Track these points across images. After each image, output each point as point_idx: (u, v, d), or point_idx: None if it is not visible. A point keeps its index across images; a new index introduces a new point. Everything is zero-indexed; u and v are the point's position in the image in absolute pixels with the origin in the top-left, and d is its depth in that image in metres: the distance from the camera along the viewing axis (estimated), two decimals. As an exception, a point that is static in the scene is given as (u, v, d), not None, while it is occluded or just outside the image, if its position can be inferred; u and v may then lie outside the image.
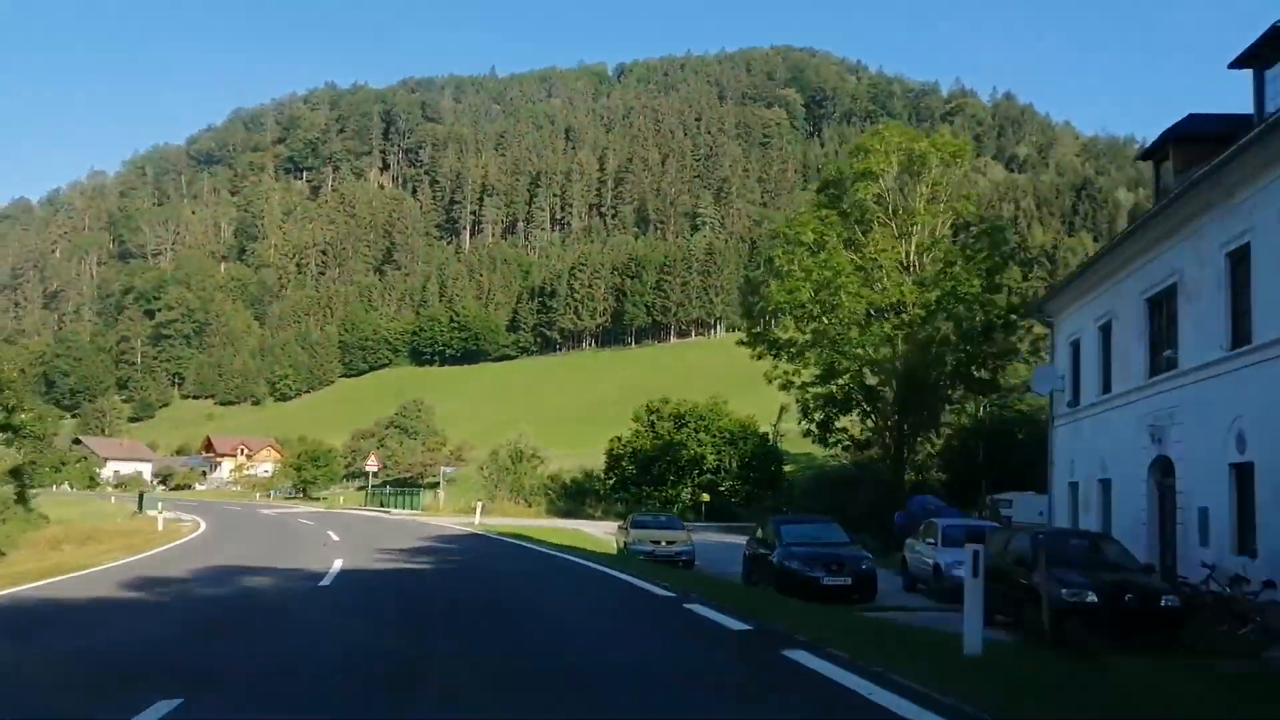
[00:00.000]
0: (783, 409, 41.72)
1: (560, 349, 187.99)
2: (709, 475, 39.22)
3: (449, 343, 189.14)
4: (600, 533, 29.04)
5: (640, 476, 39.66)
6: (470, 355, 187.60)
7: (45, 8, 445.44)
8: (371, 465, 47.13)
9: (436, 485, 59.25)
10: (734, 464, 39.12)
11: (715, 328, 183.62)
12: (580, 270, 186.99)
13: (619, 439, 43.84)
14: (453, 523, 30.93)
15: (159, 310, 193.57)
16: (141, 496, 40.11)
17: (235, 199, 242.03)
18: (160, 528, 29.44)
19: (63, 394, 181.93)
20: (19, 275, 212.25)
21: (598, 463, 46.50)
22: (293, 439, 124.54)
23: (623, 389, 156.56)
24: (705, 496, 37.71)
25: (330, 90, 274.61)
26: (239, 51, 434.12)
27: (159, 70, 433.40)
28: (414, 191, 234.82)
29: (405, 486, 69.63)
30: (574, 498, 40.90)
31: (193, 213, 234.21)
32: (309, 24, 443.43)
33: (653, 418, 42.96)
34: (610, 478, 42.76)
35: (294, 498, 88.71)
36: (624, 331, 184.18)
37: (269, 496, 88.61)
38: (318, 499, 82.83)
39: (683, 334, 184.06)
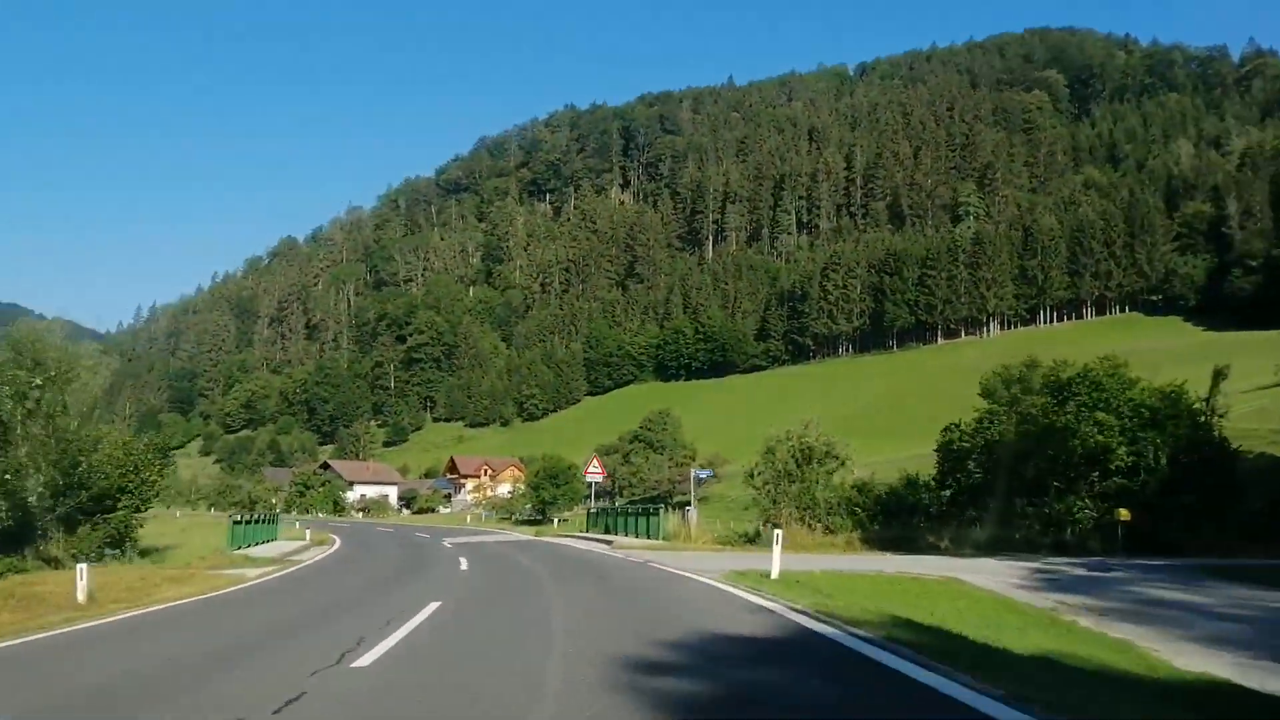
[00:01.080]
0: (1220, 373, 26.38)
1: (814, 356, 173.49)
2: (1120, 479, 24.28)
3: (695, 355, 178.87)
4: (996, 584, 15.84)
5: (1001, 482, 25.20)
6: (718, 367, 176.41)
7: (308, 64, 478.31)
8: (594, 474, 33.19)
9: (686, 505, 47.11)
10: (1160, 459, 23.83)
11: (988, 325, 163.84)
12: (833, 270, 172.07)
13: (956, 427, 29.45)
14: (716, 565, 18.83)
15: (410, 335, 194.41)
16: (242, 523, 26.34)
17: (481, 224, 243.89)
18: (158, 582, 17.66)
19: (323, 420, 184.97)
20: (284, 308, 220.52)
21: (887, 474, 33.12)
22: (536, 458, 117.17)
23: (888, 395, 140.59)
24: (1124, 514, 22.85)
25: (570, 111, 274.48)
26: (484, 83, 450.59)
27: (411, 108, 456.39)
28: (655, 204, 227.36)
29: (649, 503, 57.79)
30: (894, 517, 26.72)
31: (441, 239, 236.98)
32: (549, 51, 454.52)
33: (1015, 389, 28.89)
34: (947, 485, 28.67)
35: (534, 521, 79.52)
36: (884, 334, 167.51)
37: (481, 519, 79.56)
38: (555, 521, 72.87)
39: (951, 333, 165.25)
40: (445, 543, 30.87)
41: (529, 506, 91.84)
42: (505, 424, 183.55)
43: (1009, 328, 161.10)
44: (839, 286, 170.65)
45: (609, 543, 25.58)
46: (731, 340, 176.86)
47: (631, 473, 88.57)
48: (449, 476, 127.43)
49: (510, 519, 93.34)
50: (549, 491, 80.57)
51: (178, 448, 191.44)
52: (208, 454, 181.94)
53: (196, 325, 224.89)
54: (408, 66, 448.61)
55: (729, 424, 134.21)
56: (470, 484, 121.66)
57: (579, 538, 29.28)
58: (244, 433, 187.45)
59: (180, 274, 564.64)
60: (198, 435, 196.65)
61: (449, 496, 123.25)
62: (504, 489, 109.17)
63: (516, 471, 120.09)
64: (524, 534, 37.75)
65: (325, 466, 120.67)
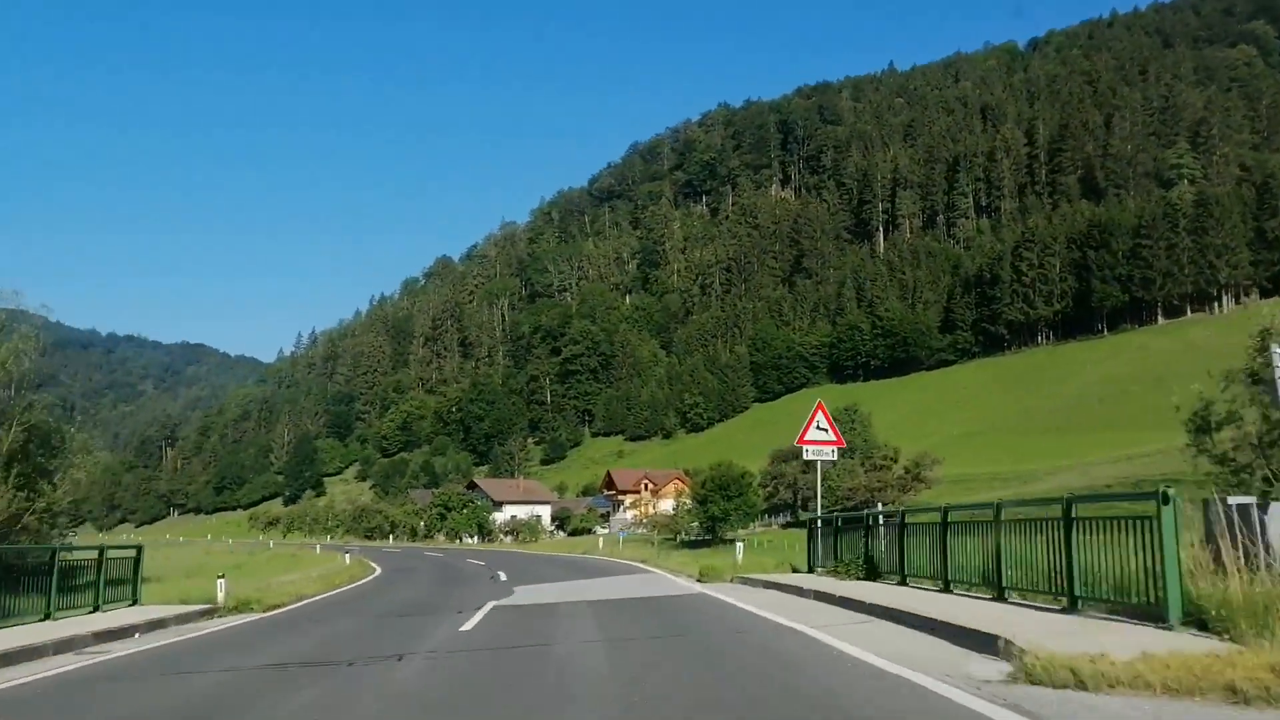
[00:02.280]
0: None
1: (1009, 347, 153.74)
2: None
3: (873, 352, 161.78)
4: None
5: None
6: (899, 365, 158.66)
7: (465, 86, 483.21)
8: (819, 440, 19.39)
9: (891, 515, 32.60)
10: None
11: (1220, 299, 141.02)
12: (1026, 249, 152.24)
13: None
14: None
15: (565, 346, 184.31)
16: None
17: (636, 231, 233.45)
18: None
19: (478, 439, 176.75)
20: (439, 326, 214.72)
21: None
22: (702, 469, 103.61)
23: (1103, 384, 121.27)
24: None
25: (724, 110, 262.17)
26: (635, 88, 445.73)
27: (564, 120, 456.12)
28: (820, 195, 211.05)
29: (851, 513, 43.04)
30: None
31: (595, 247, 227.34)
32: (700, 50, 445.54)
33: None
34: None
35: (702, 542, 65.80)
36: (1091, 317, 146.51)
37: (618, 543, 65.90)
38: (735, 545, 58.93)
39: (1173, 311, 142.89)
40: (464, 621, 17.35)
41: (695, 525, 78.51)
42: (668, 436, 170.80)
43: (1245, 298, 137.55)
44: (1034, 266, 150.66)
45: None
46: (913, 334, 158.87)
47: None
48: (606, 494, 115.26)
49: (674, 540, 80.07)
50: (719, 506, 66.69)
51: (334, 474, 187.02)
52: (364, 479, 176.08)
53: (353, 348, 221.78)
54: (562, 76, 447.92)
55: (923, 423, 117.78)
56: (629, 500, 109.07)
57: (818, 598, 13.54)
58: (401, 456, 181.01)
59: (342, 300, 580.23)
60: (355, 460, 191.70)
61: (606, 515, 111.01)
62: (667, 505, 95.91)
63: (680, 484, 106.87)
64: (682, 576, 22.75)
65: (472, 486, 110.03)
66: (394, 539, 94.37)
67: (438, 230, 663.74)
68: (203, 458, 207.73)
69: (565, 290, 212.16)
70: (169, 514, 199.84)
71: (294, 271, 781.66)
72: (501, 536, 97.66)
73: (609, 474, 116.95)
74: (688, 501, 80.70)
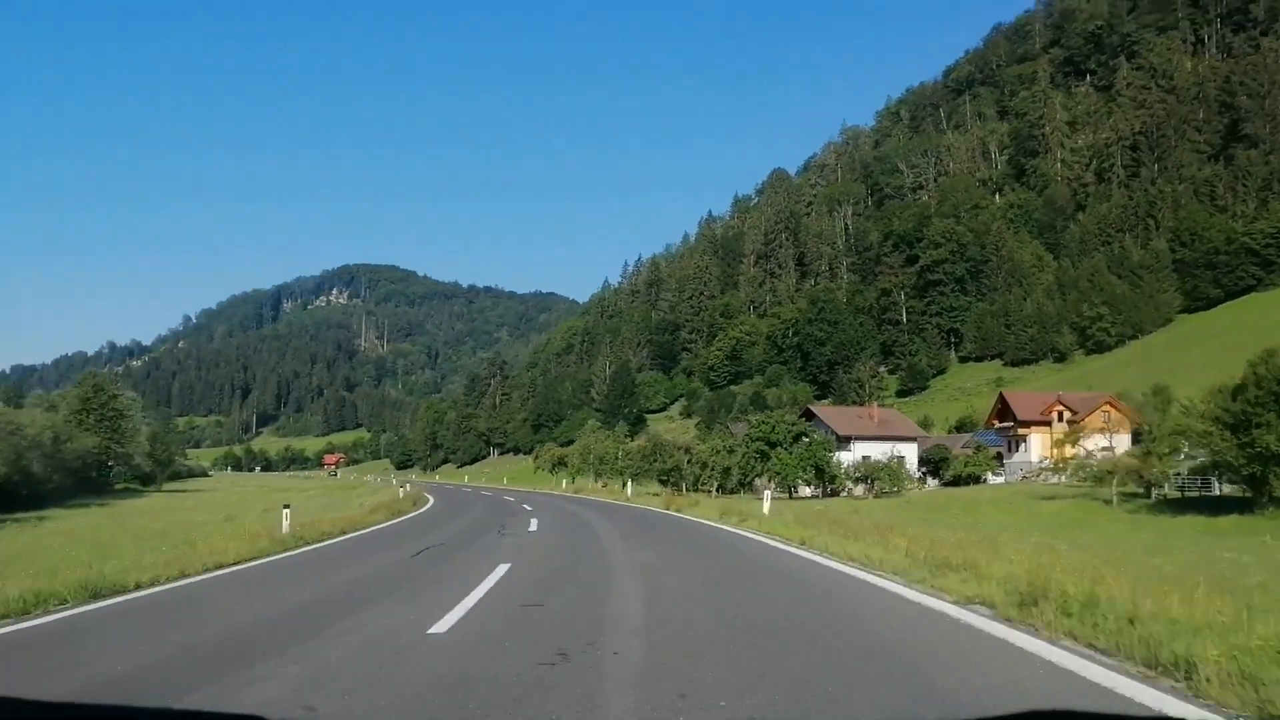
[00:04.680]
0: None
1: None
2: None
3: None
4: None
5: None
6: None
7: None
8: None
9: None
10: None
11: None
12: None
13: None
14: None
15: (923, 252, 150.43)
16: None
17: (1003, 121, 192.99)
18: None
19: (818, 367, 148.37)
20: (771, 240, 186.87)
21: None
22: (1141, 392, 69.20)
23: None
24: None
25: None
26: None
27: (911, 6, 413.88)
28: (1257, 47, 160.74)
29: None
30: None
31: (955, 138, 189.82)
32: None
33: None
34: None
35: (1227, 502, 33.90)
36: None
37: (1110, 500, 33.20)
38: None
39: None
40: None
41: (1180, 474, 46.35)
42: (1060, 359, 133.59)
43: None
44: None
45: None
46: None
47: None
48: (997, 426, 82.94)
49: (1145, 495, 48.24)
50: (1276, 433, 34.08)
51: (657, 410, 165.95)
52: (688, 415, 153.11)
53: (678, 272, 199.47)
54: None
55: None
56: (1035, 436, 76.68)
57: None
58: (730, 389, 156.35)
59: (673, 226, 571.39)
60: (679, 395, 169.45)
61: (999, 456, 79.12)
62: (1096, 444, 62.96)
63: (1113, 412, 72.99)
64: None
65: (807, 415, 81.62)
66: (699, 484, 68.62)
67: (772, 143, 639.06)
68: (521, 394, 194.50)
69: (920, 189, 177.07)
70: (489, 453, 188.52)
71: (630, 209, 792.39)
72: (848, 484, 69.09)
73: (1002, 399, 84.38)
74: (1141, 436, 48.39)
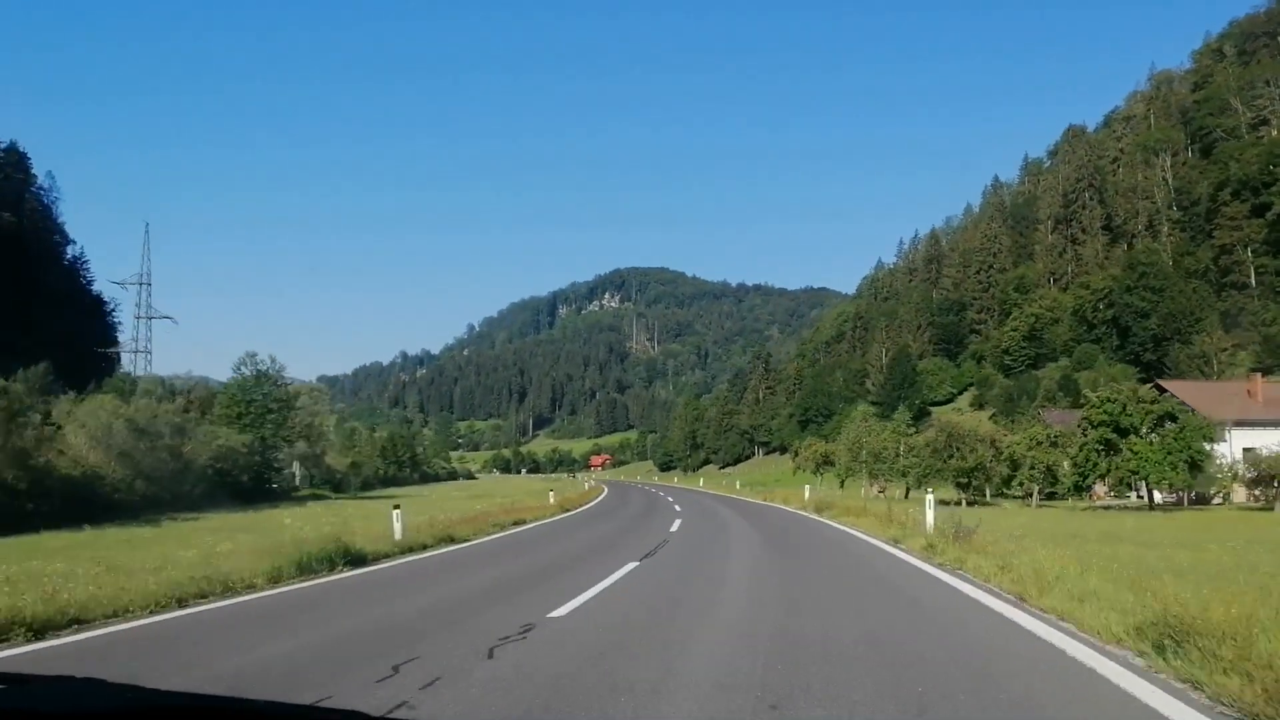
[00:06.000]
0: None
1: None
2: None
3: None
4: None
5: None
6: None
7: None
8: None
9: None
10: None
11: None
12: None
13: None
14: None
15: (1274, 199, 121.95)
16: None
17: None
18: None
19: (1141, 344, 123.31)
20: (1072, 202, 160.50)
21: None
22: None
23: None
24: None
25: None
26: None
27: None
28: None
29: None
30: None
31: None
32: None
33: None
34: None
35: None
36: None
37: None
38: None
39: None
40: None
41: None
42: None
43: None
44: None
45: None
46: None
47: None
48: None
49: None
50: None
51: (943, 402, 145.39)
52: (980, 406, 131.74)
53: (961, 245, 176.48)
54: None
55: None
56: None
57: None
58: (1030, 374, 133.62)
59: (952, 198, 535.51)
60: (969, 384, 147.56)
61: None
62: None
63: None
64: None
65: (1158, 390, 61.17)
66: (1007, 488, 50.86)
67: (1065, 101, 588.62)
68: (786, 387, 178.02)
69: (1264, 124, 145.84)
70: (753, 453, 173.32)
71: (905, 186, 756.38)
72: (1231, 487, 49.10)
73: None
74: None
